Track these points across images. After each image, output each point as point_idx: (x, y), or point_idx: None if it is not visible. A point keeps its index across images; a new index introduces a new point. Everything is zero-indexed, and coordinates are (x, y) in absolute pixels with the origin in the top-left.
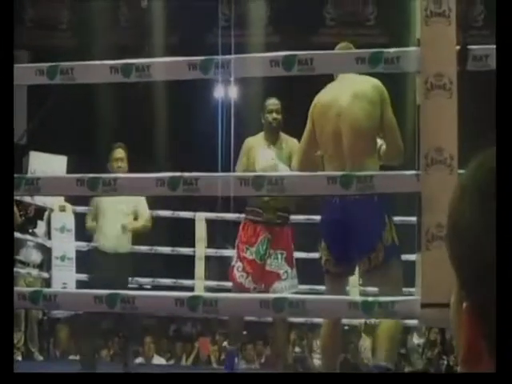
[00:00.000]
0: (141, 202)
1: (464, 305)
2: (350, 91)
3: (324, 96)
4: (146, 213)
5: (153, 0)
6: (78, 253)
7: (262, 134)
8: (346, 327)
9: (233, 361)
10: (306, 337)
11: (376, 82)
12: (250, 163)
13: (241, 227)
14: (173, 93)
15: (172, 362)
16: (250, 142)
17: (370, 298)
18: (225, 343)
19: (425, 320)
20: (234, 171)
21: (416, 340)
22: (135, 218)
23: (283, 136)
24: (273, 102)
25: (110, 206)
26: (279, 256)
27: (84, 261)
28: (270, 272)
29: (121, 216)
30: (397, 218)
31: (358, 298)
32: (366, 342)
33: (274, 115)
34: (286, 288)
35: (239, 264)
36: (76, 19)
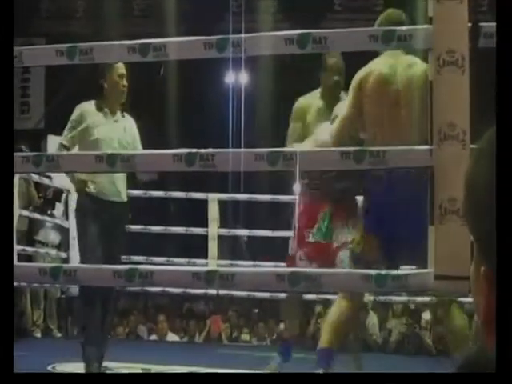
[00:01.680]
0: (137, 140)
1: (482, 269)
2: (407, 71)
3: (379, 67)
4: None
5: None
6: None
7: (318, 94)
8: None
9: (289, 352)
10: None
11: (425, 65)
12: (306, 129)
13: (297, 210)
14: (185, 72)
15: (186, 339)
16: (303, 103)
17: (384, 272)
18: (285, 334)
19: (437, 292)
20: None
21: (426, 316)
22: None
23: (344, 96)
24: (335, 62)
25: (106, 140)
26: (347, 224)
27: None
28: (338, 246)
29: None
30: None
31: (372, 272)
32: (373, 319)
33: (336, 77)
34: None
35: (301, 252)
36: (90, 8)
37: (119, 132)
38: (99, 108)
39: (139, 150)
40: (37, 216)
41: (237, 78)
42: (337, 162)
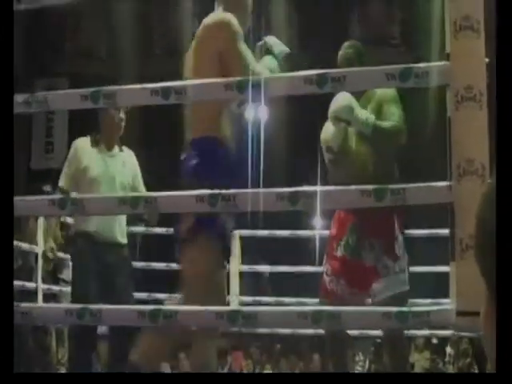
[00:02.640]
0: (137, 175)
1: (490, 309)
2: None
3: None
4: (142, 189)
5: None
6: None
7: None
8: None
9: None
10: None
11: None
12: None
13: (332, 220)
14: None
15: None
16: None
17: (405, 308)
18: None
19: (459, 328)
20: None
21: (448, 350)
22: None
23: None
24: None
25: (103, 178)
26: (375, 245)
27: None
28: (369, 268)
29: (120, 192)
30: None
31: (393, 309)
32: None
33: None
34: (388, 288)
35: (328, 266)
36: (113, 48)
37: (117, 168)
38: (94, 143)
39: (140, 186)
40: (60, 255)
41: (253, 118)
42: (357, 200)
